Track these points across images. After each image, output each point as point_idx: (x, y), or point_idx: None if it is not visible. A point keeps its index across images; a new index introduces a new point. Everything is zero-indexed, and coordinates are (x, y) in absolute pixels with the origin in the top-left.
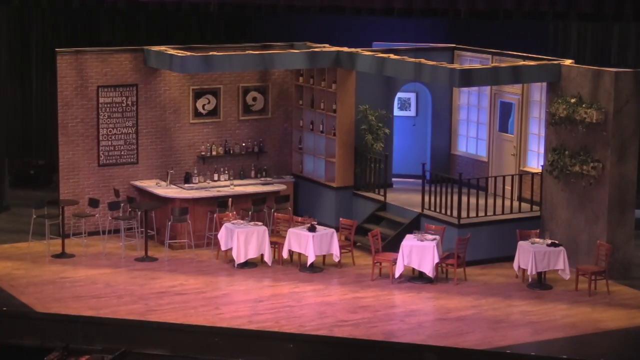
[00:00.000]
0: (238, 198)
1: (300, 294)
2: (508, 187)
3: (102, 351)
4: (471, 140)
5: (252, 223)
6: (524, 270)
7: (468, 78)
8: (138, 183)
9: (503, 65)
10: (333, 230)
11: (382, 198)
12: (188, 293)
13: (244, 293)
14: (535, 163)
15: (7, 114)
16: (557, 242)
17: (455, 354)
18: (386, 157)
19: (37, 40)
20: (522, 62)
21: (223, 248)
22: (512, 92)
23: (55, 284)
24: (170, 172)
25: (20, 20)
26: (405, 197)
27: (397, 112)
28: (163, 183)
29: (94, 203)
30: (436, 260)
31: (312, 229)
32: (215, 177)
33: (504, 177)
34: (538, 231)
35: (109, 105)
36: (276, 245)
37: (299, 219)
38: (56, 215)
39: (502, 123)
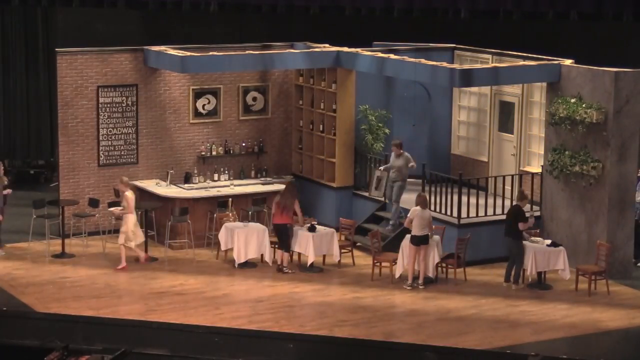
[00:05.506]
0: (238, 198)
1: (300, 294)
2: (508, 187)
3: (102, 351)
4: (471, 140)
5: (252, 223)
6: (524, 270)
7: (468, 78)
8: (138, 183)
9: (503, 65)
10: (333, 230)
11: (382, 198)
12: (188, 293)
13: (244, 293)
14: (535, 163)
15: (8, 114)
16: (557, 242)
17: (455, 354)
18: (386, 157)
19: (37, 40)
20: (522, 62)
21: (223, 248)
22: (512, 92)
23: (55, 284)
24: (170, 172)
25: (21, 20)
26: (405, 197)
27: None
28: (163, 183)
29: (94, 203)
30: (436, 260)
31: (312, 229)
32: (215, 177)
33: (504, 177)
34: (538, 231)
35: (109, 105)
36: (276, 245)
37: None
38: (56, 215)
39: (502, 123)
